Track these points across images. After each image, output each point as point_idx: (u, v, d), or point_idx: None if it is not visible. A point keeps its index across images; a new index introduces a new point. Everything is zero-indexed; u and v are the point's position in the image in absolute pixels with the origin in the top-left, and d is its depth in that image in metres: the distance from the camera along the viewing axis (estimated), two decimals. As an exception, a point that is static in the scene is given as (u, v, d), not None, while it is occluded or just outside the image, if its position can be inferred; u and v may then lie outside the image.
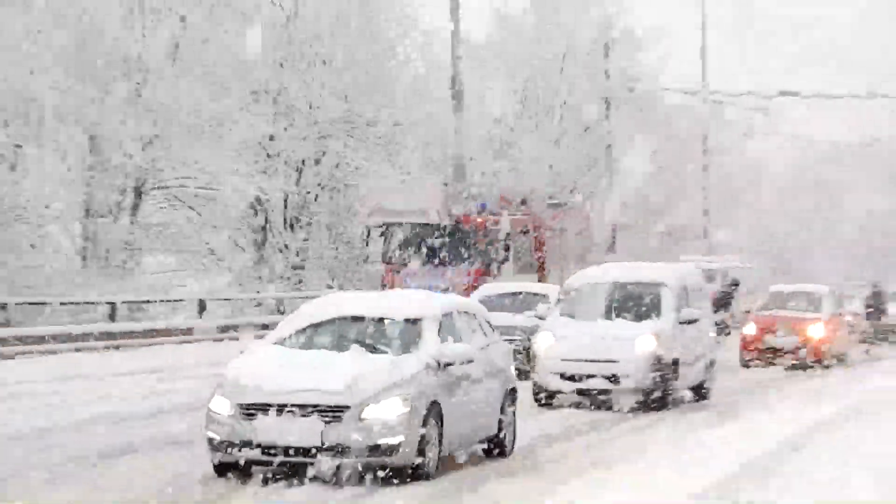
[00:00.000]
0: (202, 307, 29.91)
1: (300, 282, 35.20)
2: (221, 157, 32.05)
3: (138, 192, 31.39)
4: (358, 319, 12.70)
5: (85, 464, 12.18)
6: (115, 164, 29.92)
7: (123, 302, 27.70)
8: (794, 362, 26.03)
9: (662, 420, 17.13)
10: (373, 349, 12.13)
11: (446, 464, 12.27)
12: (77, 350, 24.04)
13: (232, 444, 11.44)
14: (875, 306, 31.85)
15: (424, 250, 27.85)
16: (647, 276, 19.58)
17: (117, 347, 25.32)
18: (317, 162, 35.75)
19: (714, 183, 52.04)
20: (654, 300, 18.85)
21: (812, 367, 25.85)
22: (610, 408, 17.98)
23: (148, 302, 29.55)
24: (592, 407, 18.09)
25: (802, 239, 61.34)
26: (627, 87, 47.03)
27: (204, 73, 32.10)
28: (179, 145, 31.48)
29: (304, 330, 12.64)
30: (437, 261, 27.55)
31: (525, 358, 19.14)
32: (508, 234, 28.03)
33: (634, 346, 18.00)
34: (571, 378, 18.08)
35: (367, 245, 28.99)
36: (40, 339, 23.82)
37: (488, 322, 14.21)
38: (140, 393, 18.16)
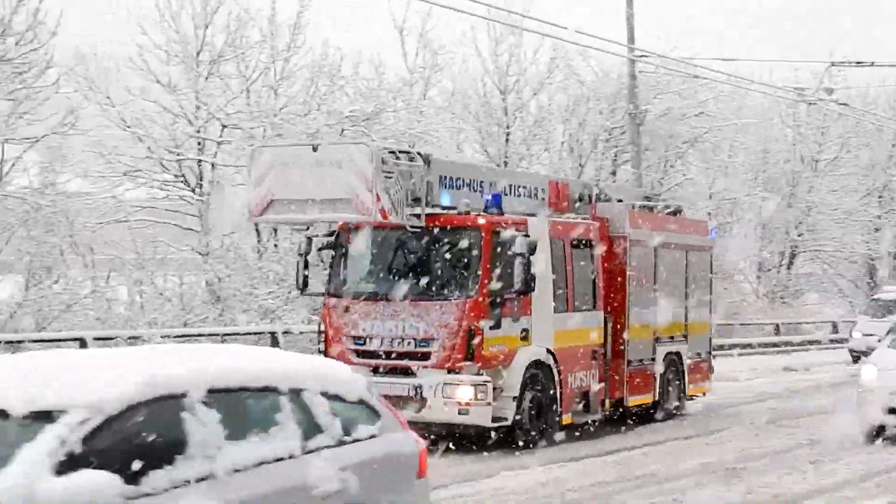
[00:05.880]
0: (834, 327, 44.21)
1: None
2: (851, 232, 48.87)
3: (793, 254, 48.95)
4: None
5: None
6: (779, 238, 48.06)
7: (784, 322, 42.96)
8: None
9: None
10: None
11: None
12: (757, 353, 36.47)
13: None
14: None
15: (381, 272, 16.34)
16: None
17: (780, 352, 37.99)
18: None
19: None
20: None
21: None
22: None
23: (800, 323, 44.91)
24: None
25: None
26: None
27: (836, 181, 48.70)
28: (819, 227, 48.67)
29: None
30: (406, 290, 15.60)
31: None
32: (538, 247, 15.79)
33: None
34: (898, 412, 17.24)
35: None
36: (745, 345, 36.82)
37: (366, 403, 7.57)
38: (793, 380, 28.73)
